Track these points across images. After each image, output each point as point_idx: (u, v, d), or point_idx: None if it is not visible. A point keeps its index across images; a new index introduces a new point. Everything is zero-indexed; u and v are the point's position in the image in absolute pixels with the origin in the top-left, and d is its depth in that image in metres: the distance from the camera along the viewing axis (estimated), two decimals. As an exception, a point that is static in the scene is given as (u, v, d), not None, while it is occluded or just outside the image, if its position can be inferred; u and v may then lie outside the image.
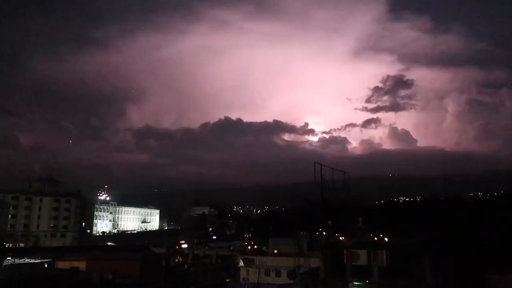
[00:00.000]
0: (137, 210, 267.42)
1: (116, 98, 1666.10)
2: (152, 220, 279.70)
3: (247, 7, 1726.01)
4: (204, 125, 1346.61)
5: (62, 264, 54.71)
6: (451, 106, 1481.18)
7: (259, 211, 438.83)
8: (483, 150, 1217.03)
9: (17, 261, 49.33)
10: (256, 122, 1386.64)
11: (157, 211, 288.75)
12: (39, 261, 51.17)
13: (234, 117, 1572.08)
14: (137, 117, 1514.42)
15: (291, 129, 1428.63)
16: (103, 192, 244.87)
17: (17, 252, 68.35)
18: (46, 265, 49.79)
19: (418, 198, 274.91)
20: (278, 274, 78.81)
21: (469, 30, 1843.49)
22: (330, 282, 36.50)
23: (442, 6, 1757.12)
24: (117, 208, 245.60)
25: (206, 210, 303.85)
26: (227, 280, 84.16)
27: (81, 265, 54.98)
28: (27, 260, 50.89)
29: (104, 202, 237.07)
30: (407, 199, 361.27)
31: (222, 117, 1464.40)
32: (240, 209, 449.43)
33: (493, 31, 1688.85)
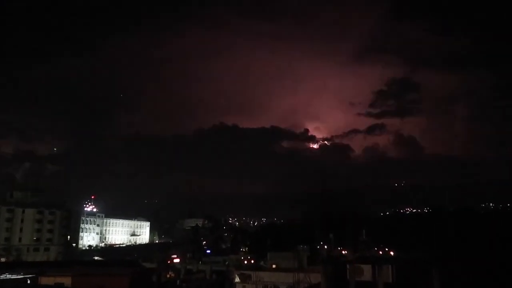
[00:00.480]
0: (126, 222, 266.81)
1: (103, 102, 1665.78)
2: (142, 233, 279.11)
3: (244, 5, 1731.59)
4: (198, 131, 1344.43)
5: (46, 280, 54.58)
6: (461, 110, 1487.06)
7: (256, 223, 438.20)
8: (496, 157, 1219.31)
9: (-2, 277, 49.27)
10: (253, 128, 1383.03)
11: (147, 224, 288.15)
12: (21, 276, 51.10)
13: (229, 122, 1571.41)
14: (126, 122, 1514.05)
15: (291, 135, 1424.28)
16: (89, 203, 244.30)
17: (-3, 268, 68.19)
18: (29, 281, 49.73)
19: (426, 209, 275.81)
20: (276, 290, 78.73)
21: (480, 30, 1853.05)
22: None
23: (451, 4, 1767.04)
24: (105, 220, 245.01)
25: (199, 222, 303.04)
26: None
27: (66, 281, 54.84)
28: (8, 276, 50.78)
29: (91, 213, 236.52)
30: (414, 210, 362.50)
31: (217, 123, 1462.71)
32: (236, 221, 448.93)
33: (506, 31, 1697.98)
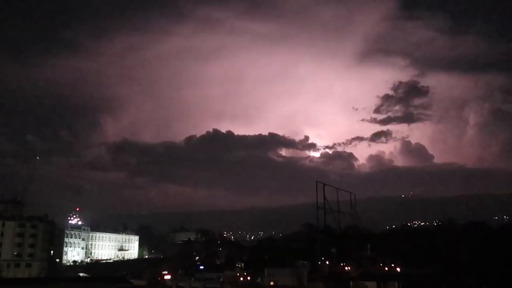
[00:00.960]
0: (113, 236, 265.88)
1: (89, 107, 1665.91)
2: (131, 247, 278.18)
3: (239, 4, 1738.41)
4: (190, 139, 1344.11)
5: (28, 298, 54.58)
6: (472, 116, 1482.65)
7: (253, 238, 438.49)
8: (509, 167, 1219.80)
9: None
10: (249, 135, 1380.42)
11: (136, 238, 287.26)
12: (1, 294, 51.12)
13: (224, 129, 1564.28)
14: (113, 129, 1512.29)
15: (290, 143, 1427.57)
16: (74, 216, 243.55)
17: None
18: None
19: (435, 222, 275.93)
20: (275, 309, 78.77)
21: (492, 30, 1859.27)
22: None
23: (462, 2, 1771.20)
24: (91, 234, 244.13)
25: (192, 236, 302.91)
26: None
27: (50, 299, 54.83)
28: (-13, 294, 50.82)
29: (76, 227, 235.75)
30: (422, 224, 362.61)
31: (210, 130, 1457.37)
32: (231, 235, 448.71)
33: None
